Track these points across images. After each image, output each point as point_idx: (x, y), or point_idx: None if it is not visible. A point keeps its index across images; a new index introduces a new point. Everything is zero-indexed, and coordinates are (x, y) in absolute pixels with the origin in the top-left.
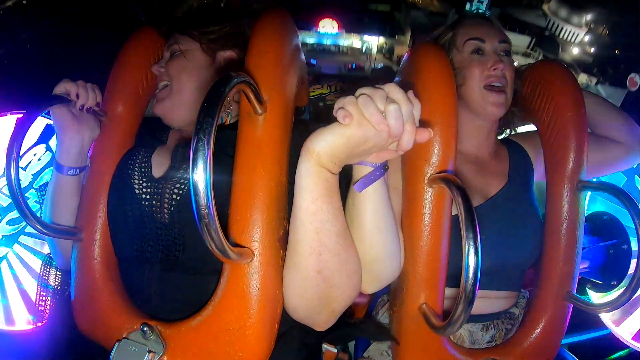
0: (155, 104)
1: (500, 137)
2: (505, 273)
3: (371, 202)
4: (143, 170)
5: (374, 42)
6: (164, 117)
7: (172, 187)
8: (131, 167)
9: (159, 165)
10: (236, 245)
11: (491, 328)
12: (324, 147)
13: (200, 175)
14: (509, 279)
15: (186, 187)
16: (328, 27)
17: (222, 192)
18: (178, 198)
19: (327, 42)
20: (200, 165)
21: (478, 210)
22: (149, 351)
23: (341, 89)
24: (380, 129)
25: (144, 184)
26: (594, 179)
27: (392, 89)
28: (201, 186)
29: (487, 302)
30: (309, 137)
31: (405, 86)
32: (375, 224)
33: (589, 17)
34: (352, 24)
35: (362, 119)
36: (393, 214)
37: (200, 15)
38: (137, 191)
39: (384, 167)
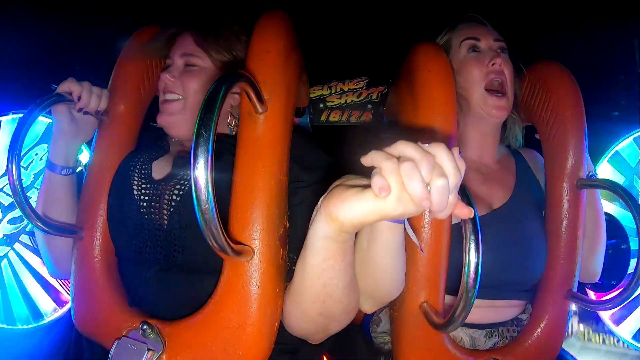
0: (162, 115)
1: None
2: (512, 286)
3: (386, 251)
4: (143, 172)
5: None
6: (169, 129)
7: (172, 189)
8: (132, 168)
9: (160, 169)
10: (236, 243)
11: (495, 335)
12: (351, 219)
13: (201, 170)
14: (518, 289)
15: (186, 188)
16: None
17: (223, 191)
18: (178, 199)
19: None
20: (201, 160)
21: (482, 221)
22: (149, 349)
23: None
24: (423, 206)
25: (143, 186)
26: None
27: (442, 155)
28: (202, 181)
29: (495, 311)
30: (328, 196)
31: (406, 88)
32: (389, 264)
33: None
34: None
35: (404, 194)
36: (405, 253)
37: (215, 24)
38: (135, 192)
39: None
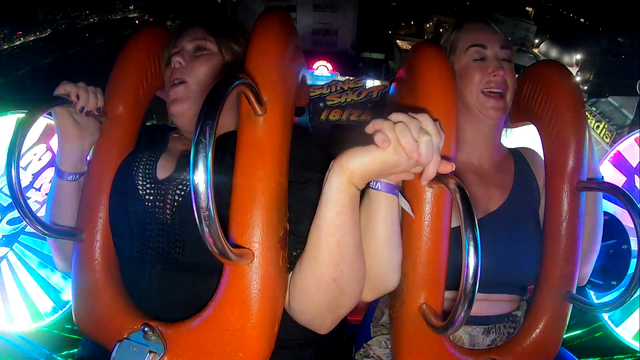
0: (172, 104)
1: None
2: (506, 284)
3: (384, 221)
4: (147, 171)
5: (368, 85)
6: (177, 118)
7: (175, 189)
8: (135, 168)
9: (164, 168)
10: (236, 246)
11: (492, 332)
12: (359, 167)
13: (200, 177)
14: (512, 286)
15: (188, 189)
16: (323, 69)
17: (223, 194)
18: (180, 199)
19: (321, 83)
20: (200, 166)
21: (478, 224)
22: (150, 351)
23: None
24: (413, 157)
25: (148, 185)
26: None
27: (426, 120)
28: (201, 188)
29: (489, 304)
30: (339, 156)
31: (405, 88)
32: (386, 242)
33: (578, 56)
34: (346, 68)
35: (398, 146)
36: (400, 230)
37: (221, 20)
38: (140, 192)
39: (399, 190)
